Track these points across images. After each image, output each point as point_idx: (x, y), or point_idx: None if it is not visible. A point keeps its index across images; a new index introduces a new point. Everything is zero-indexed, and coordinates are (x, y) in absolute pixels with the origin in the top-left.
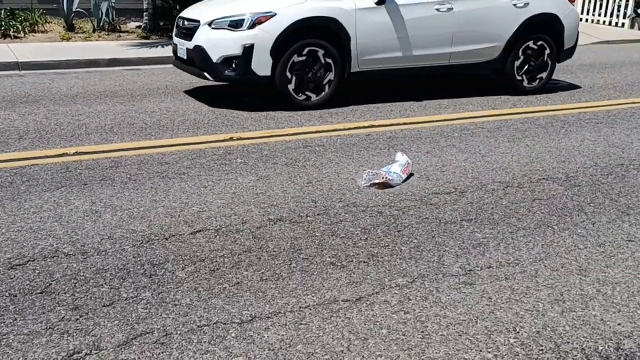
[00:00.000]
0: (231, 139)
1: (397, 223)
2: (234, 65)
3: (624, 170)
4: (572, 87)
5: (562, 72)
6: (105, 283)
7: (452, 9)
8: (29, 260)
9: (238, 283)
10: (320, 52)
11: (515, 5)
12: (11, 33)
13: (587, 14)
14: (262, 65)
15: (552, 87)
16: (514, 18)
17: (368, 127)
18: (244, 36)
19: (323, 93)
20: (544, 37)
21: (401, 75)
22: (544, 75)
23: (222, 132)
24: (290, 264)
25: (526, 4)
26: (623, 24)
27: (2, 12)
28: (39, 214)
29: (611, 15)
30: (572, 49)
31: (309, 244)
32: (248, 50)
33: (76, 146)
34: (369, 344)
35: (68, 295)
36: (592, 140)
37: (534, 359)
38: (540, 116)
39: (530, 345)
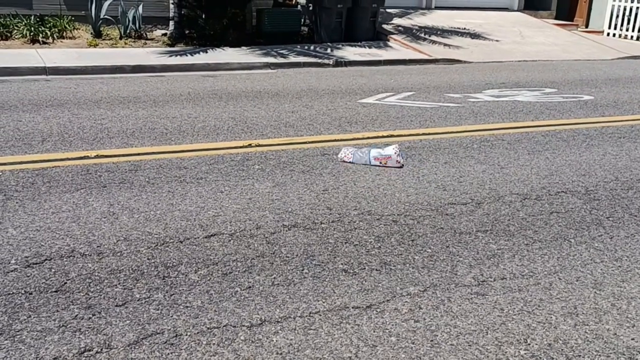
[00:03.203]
0: (250, 145)
1: (412, 232)
2: None
3: None
4: (596, 101)
5: (586, 86)
6: (119, 283)
7: None
8: (45, 259)
9: (249, 287)
10: None
11: None
12: (40, 39)
13: (615, 28)
14: None
15: (576, 100)
16: None
17: (387, 136)
18: None
19: None
20: None
21: None
22: None
23: (241, 139)
24: (303, 270)
25: None
26: None
27: (32, 18)
28: (58, 214)
29: (639, 31)
30: None
31: (322, 250)
32: None
33: (97, 149)
34: (377, 351)
35: (82, 294)
36: (614, 155)
37: None
38: (562, 129)
39: (541, 358)
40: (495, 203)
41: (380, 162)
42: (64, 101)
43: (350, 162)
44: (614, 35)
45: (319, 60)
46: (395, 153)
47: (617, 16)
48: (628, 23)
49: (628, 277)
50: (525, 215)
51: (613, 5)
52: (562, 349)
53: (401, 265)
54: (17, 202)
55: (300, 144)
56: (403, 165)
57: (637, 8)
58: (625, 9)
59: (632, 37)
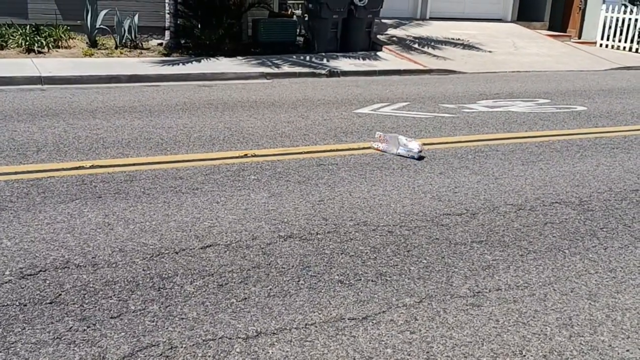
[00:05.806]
0: (245, 155)
1: (407, 243)
2: None
3: (638, 196)
4: (589, 111)
5: (580, 96)
6: (114, 295)
7: None
8: (40, 271)
9: (245, 298)
10: None
11: None
12: (35, 48)
13: (608, 39)
14: None
15: (569, 111)
16: None
17: None
18: None
19: None
20: None
21: None
22: None
23: (236, 149)
24: (299, 281)
25: None
26: None
27: (28, 27)
28: (53, 225)
29: (631, 42)
30: None
31: (318, 261)
32: None
33: (93, 159)
34: None
35: (77, 306)
36: (607, 165)
37: None
38: (555, 140)
39: None
40: (490, 214)
41: (407, 155)
42: (59, 111)
43: (382, 150)
44: (606, 46)
45: (315, 71)
46: (418, 151)
47: (610, 27)
48: (620, 34)
49: (622, 288)
50: (520, 226)
51: (606, 17)
52: None
53: (397, 276)
54: (11, 213)
55: (295, 154)
56: (423, 157)
57: (630, 19)
58: (617, 20)
59: (624, 48)
